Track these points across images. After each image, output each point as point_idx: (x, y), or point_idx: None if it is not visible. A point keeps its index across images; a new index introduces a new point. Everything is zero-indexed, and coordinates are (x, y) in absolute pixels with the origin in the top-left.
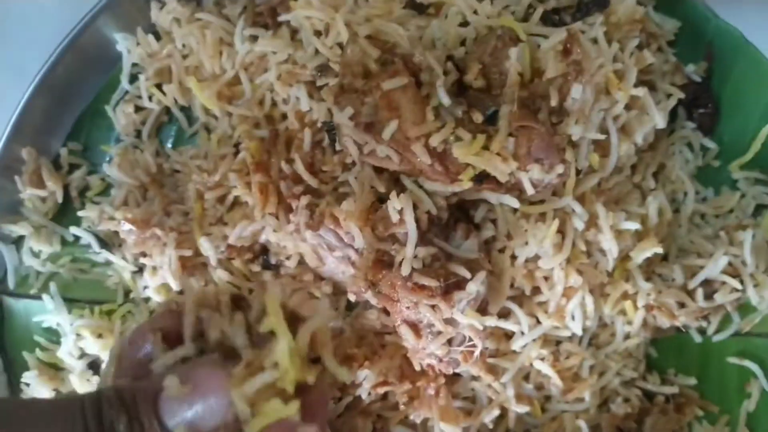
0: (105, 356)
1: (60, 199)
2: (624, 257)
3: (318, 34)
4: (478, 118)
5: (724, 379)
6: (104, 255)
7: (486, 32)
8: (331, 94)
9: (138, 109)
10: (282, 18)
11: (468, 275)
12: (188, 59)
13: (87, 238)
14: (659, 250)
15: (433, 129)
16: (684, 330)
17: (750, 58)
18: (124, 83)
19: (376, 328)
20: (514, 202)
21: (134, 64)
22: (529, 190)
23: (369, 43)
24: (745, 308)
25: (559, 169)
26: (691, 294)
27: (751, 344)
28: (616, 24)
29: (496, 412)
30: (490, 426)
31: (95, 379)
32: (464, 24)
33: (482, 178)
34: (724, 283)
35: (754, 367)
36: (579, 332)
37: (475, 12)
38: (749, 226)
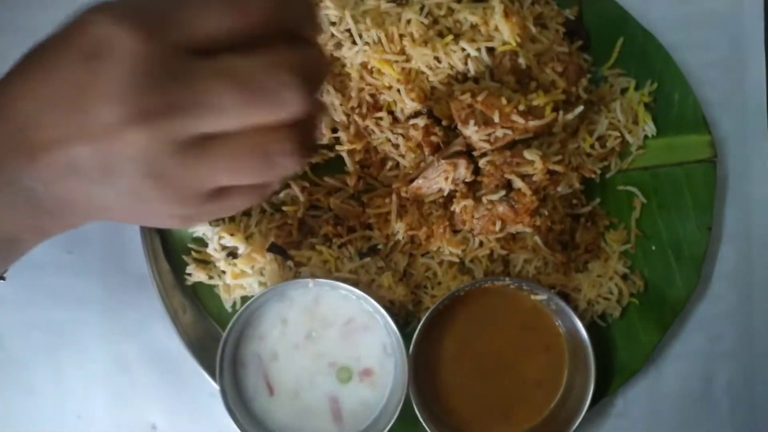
0: (240, 246)
1: None
2: None
3: (333, 24)
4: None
5: (617, 201)
6: None
7: None
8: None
9: None
10: None
11: None
12: None
13: None
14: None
15: (514, 104)
16: (594, 175)
17: (605, 2)
18: None
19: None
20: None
21: None
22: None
23: None
24: (623, 154)
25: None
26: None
27: (630, 176)
28: None
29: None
30: (478, 247)
31: (237, 261)
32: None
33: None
34: (610, 135)
35: (634, 189)
36: None
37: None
38: (618, 99)
